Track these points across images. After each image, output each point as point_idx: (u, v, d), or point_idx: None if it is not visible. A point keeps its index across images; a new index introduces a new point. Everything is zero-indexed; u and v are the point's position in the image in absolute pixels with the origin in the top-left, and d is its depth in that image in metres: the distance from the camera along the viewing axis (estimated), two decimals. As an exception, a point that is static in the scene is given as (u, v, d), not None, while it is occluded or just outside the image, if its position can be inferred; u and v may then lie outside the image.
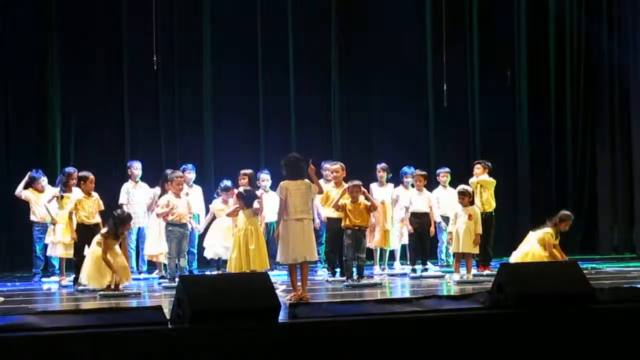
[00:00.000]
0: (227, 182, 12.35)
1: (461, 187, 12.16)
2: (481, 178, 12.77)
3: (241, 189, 11.24)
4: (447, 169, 13.36)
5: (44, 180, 12.59)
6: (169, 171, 12.37)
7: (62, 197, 11.96)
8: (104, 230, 10.84)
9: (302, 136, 15.06)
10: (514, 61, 16.17)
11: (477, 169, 12.90)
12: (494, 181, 12.89)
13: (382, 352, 6.10)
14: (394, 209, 13.08)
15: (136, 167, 12.89)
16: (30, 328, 5.61)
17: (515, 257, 11.41)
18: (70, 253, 11.85)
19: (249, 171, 12.54)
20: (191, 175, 12.82)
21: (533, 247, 11.32)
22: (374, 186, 12.75)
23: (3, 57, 14.13)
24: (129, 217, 11.00)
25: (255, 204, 10.78)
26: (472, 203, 12.00)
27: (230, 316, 5.91)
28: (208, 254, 12.46)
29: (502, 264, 7.05)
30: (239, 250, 10.49)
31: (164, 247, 11.92)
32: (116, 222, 10.75)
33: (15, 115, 14.19)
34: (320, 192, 10.36)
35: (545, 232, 11.35)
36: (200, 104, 14.95)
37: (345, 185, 11.75)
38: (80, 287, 11.27)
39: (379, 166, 12.89)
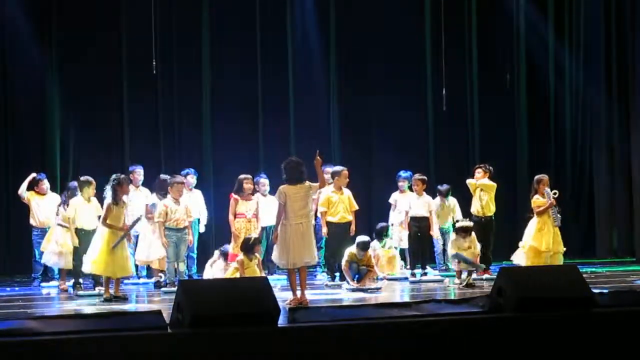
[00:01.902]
0: (228, 247, 12.12)
1: (461, 223, 12.07)
2: (482, 182, 12.77)
3: (236, 255, 11.26)
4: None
5: (46, 184, 12.58)
6: (162, 176, 12.39)
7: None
8: (108, 201, 10.81)
9: (301, 139, 15.05)
10: (513, 65, 16.19)
11: (478, 173, 12.89)
12: (495, 185, 12.89)
13: (381, 356, 6.09)
14: (392, 213, 13.12)
15: (138, 173, 12.88)
16: (29, 333, 5.60)
17: (518, 254, 11.74)
18: (69, 261, 11.80)
19: (249, 176, 12.49)
20: (193, 179, 12.82)
21: (527, 235, 11.76)
22: (375, 244, 12.66)
23: (2, 60, 14.15)
24: (125, 180, 10.97)
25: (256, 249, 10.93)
26: (470, 233, 11.97)
27: (230, 320, 5.91)
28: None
29: (501, 268, 7.05)
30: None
31: (155, 253, 11.95)
32: (114, 185, 10.77)
33: (14, 120, 14.18)
34: (323, 185, 10.34)
35: (533, 202, 11.87)
36: (199, 107, 14.95)
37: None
38: (80, 292, 11.29)
39: (380, 226, 12.78)
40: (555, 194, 11.89)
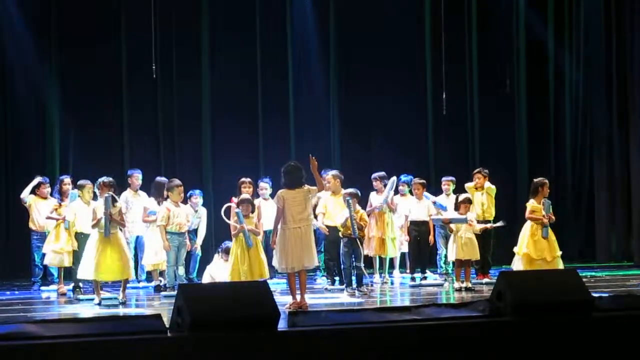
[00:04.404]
0: (229, 244, 12.08)
1: (463, 195, 12.14)
2: (487, 186, 12.82)
3: (245, 196, 11.21)
4: (451, 178, 13.30)
5: (47, 188, 12.56)
6: (159, 179, 12.42)
7: (60, 205, 11.97)
8: (96, 204, 10.93)
9: (301, 141, 15.06)
10: (513, 69, 16.21)
11: (478, 178, 12.90)
12: (495, 188, 12.96)
13: (381, 360, 6.09)
14: (394, 217, 13.11)
15: (137, 177, 12.86)
16: (29, 337, 5.60)
17: (515, 261, 11.56)
18: (71, 262, 11.80)
19: (248, 179, 12.58)
20: (198, 199, 12.69)
21: (521, 240, 11.42)
22: (372, 195, 12.74)
23: (2, 61, 14.13)
24: (105, 182, 10.98)
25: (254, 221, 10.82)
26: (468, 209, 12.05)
27: (230, 324, 5.90)
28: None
29: (501, 272, 7.05)
30: (237, 261, 10.47)
31: (164, 255, 11.91)
32: (97, 187, 10.93)
33: (14, 124, 14.19)
34: (322, 188, 10.35)
35: (530, 205, 11.45)
36: (199, 109, 14.97)
37: (343, 192, 11.84)
38: (80, 296, 11.29)
39: (375, 175, 12.85)
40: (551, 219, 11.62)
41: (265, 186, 12.79)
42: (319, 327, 6.16)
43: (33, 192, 12.51)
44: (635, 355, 6.53)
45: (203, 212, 12.74)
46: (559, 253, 11.49)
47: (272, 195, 12.17)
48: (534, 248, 11.26)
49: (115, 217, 10.63)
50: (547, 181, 11.74)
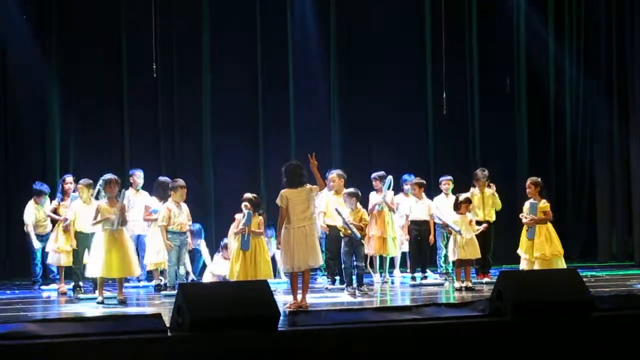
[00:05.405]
0: (227, 240, 12.09)
1: (463, 195, 12.14)
2: (489, 192, 12.86)
3: (248, 195, 11.23)
4: (450, 177, 13.29)
5: (46, 199, 12.52)
6: (161, 178, 12.43)
7: (59, 205, 11.99)
8: (98, 202, 10.92)
9: (301, 141, 15.03)
10: (514, 69, 16.20)
11: (479, 185, 12.90)
12: (496, 195, 12.99)
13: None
14: (394, 216, 13.11)
15: (138, 176, 12.87)
16: (29, 336, 5.61)
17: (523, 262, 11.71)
18: (70, 261, 11.83)
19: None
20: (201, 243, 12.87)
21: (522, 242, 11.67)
22: (372, 195, 12.74)
23: (2, 61, 14.13)
24: (112, 180, 10.94)
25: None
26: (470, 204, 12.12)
27: (230, 324, 5.91)
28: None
29: (501, 272, 7.06)
30: (243, 261, 10.48)
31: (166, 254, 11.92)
32: (101, 184, 10.87)
33: (14, 125, 14.17)
34: (322, 187, 10.36)
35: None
36: (199, 109, 14.94)
37: (344, 191, 11.85)
38: (80, 295, 11.29)
39: (375, 175, 12.84)
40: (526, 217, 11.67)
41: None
42: (319, 327, 6.17)
43: (30, 196, 12.54)
44: (635, 355, 6.55)
45: (203, 245, 12.84)
46: (552, 253, 11.49)
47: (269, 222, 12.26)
48: (522, 247, 11.67)
49: (123, 212, 10.69)
50: (530, 180, 11.88)
